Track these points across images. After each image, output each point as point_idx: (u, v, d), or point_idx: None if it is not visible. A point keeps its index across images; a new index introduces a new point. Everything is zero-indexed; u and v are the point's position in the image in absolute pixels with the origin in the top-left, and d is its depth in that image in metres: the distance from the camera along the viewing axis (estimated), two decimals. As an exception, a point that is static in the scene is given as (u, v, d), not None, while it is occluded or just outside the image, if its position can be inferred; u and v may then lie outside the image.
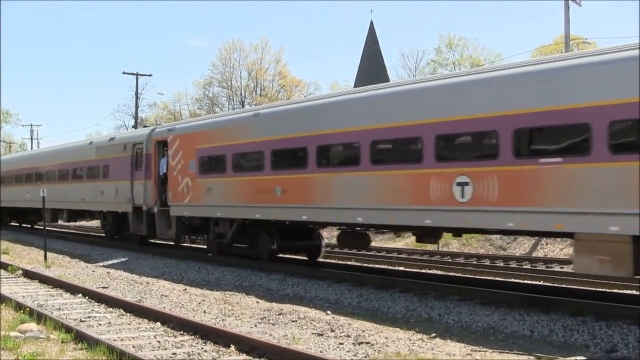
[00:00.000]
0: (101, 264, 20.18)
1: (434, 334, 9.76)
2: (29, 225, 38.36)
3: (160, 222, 21.40)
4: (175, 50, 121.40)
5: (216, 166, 18.66)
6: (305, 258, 18.70)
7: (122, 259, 21.23)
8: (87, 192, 26.36)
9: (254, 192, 17.00)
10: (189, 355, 8.17)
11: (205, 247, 20.98)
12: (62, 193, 28.47)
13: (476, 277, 15.58)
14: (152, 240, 24.38)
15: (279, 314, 11.25)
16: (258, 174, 16.84)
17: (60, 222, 33.31)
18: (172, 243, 22.96)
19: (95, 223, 36.86)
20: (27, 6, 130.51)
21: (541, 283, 14.72)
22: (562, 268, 18.09)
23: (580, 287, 13.77)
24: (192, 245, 22.88)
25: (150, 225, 22.01)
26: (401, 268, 18.61)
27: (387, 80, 53.46)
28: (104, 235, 27.81)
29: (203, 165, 19.19)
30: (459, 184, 11.90)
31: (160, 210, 21.28)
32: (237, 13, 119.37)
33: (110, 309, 11.62)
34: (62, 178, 29.37)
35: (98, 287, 14.27)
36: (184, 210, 20.01)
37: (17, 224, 39.77)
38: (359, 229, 15.64)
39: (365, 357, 8.25)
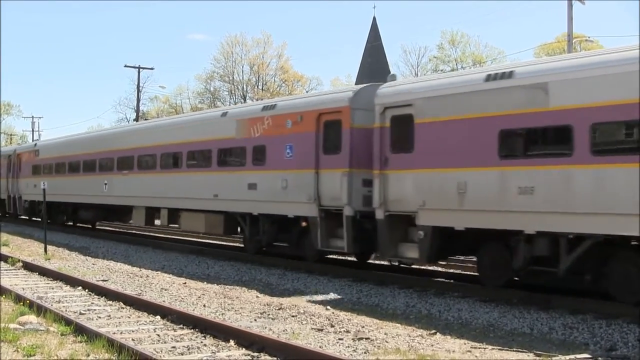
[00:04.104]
0: (101, 257, 20.17)
1: (433, 331, 9.76)
2: None
3: None
4: (177, 44, 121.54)
5: None
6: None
7: (122, 252, 21.23)
8: None
9: None
10: (188, 349, 8.18)
11: None
12: None
13: (476, 273, 15.55)
14: None
15: (279, 309, 11.26)
16: None
17: None
18: None
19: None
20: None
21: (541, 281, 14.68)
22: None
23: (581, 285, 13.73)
24: None
25: None
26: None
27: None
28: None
29: None
30: None
31: None
32: (240, 8, 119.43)
33: (110, 302, 11.62)
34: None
35: (98, 280, 14.27)
36: None
37: None
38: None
39: (365, 352, 8.24)
